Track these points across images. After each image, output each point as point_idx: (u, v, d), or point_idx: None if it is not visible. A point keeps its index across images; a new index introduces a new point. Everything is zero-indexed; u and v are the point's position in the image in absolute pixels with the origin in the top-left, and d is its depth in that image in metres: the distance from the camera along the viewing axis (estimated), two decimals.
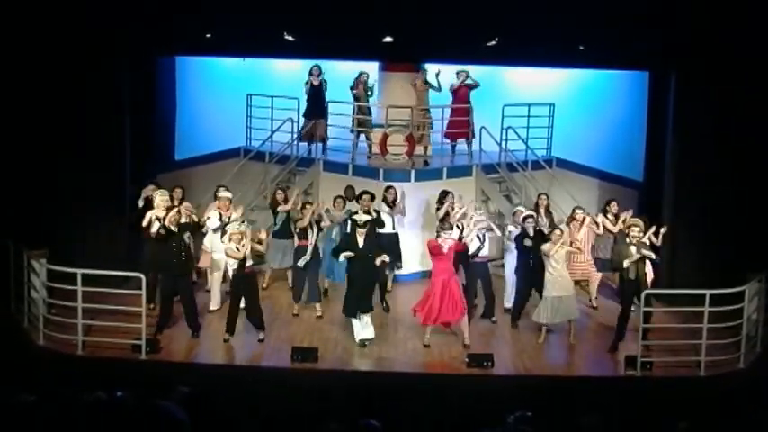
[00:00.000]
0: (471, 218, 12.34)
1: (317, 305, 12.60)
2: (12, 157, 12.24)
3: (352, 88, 15.36)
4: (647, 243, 11.87)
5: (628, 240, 11.64)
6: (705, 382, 10.92)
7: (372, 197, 12.82)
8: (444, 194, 13.26)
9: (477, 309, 12.72)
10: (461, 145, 15.60)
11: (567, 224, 12.97)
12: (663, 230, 12.28)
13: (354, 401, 7.56)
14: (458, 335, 11.76)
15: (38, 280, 11.63)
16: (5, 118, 12.17)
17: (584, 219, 12.97)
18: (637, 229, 11.61)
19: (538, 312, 11.80)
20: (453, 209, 12.77)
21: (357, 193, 13.04)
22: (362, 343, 11.52)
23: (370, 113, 15.53)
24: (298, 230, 12.50)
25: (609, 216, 13.21)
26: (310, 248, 12.34)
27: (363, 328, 11.55)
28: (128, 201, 13.21)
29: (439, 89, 15.36)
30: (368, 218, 11.81)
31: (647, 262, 11.73)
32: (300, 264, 12.36)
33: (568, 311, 11.71)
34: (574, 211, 13.20)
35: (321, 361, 11.01)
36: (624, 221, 12.68)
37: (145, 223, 12.05)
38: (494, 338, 12.09)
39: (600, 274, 13.25)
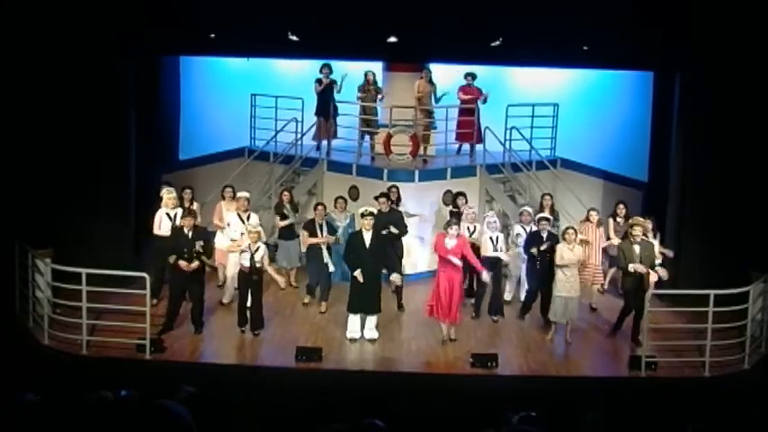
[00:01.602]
0: (484, 219, 12.38)
1: (323, 303, 12.69)
2: (17, 157, 12.26)
3: (360, 89, 15.33)
4: (654, 243, 11.88)
5: (631, 240, 11.63)
6: (709, 383, 10.90)
7: (389, 198, 12.97)
8: (456, 196, 13.35)
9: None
10: (466, 145, 15.60)
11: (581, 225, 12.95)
12: (668, 252, 12.35)
13: (358, 401, 7.56)
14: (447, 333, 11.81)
15: (42, 279, 11.65)
16: (12, 119, 12.19)
17: (598, 221, 12.91)
18: (638, 228, 11.60)
19: (551, 311, 11.85)
20: (463, 210, 12.83)
21: (374, 196, 13.08)
22: (352, 339, 11.62)
23: (376, 114, 15.52)
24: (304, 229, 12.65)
25: (618, 219, 13.17)
26: (324, 248, 12.44)
27: (368, 328, 11.59)
28: (133, 200, 13.24)
29: (437, 100, 15.38)
30: (372, 209, 11.85)
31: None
32: (331, 268, 12.54)
33: (572, 312, 11.73)
34: (588, 212, 13.15)
35: (325, 361, 11.03)
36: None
37: (156, 224, 12.14)
38: (498, 339, 12.08)
39: (602, 278, 13.21)
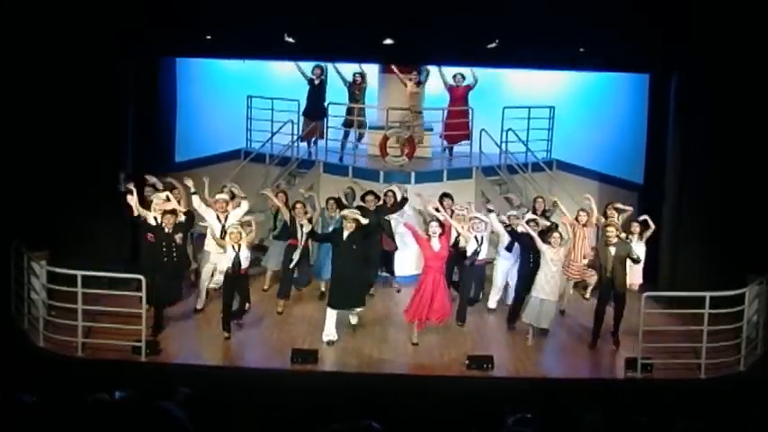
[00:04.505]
0: (470, 219, 12.36)
1: (281, 302, 12.66)
2: (16, 157, 12.24)
3: (350, 87, 15.33)
4: (631, 243, 11.92)
5: (606, 242, 11.65)
6: (705, 385, 10.91)
7: (377, 197, 12.98)
8: (442, 198, 13.33)
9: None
10: (458, 147, 15.58)
11: (571, 226, 12.93)
12: (639, 230, 12.40)
13: (354, 403, 7.58)
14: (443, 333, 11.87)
15: (38, 282, 11.62)
16: (11, 119, 12.18)
17: (586, 222, 12.89)
18: (612, 229, 11.63)
19: (525, 312, 11.83)
20: (452, 211, 12.80)
21: (361, 194, 13.12)
22: (330, 342, 11.57)
23: (363, 114, 15.48)
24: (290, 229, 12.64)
25: (609, 219, 13.14)
26: (300, 248, 12.41)
27: (351, 317, 11.78)
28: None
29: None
30: (356, 212, 11.84)
31: (630, 264, 11.80)
32: (291, 265, 12.45)
33: (548, 318, 11.68)
34: (578, 212, 13.14)
35: (321, 363, 11.02)
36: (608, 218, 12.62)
37: (139, 212, 12.00)
38: (493, 340, 12.09)
39: (595, 275, 13.20)
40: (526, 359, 11.47)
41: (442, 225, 11.76)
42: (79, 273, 11.01)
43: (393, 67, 15.02)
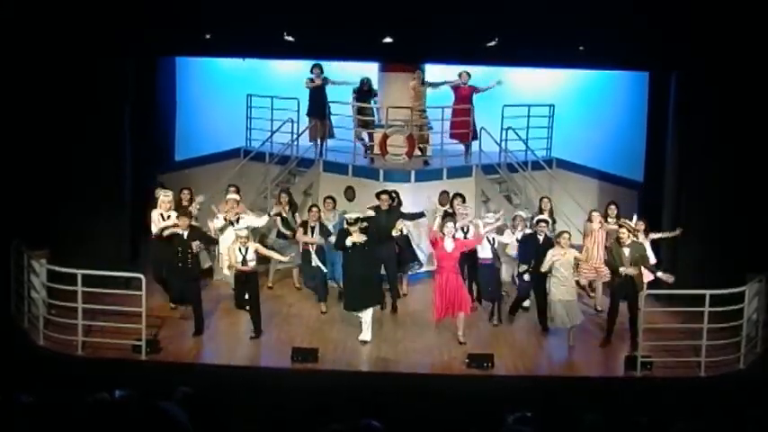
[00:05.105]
0: (481, 220, 12.38)
1: (322, 303, 12.74)
2: (16, 157, 12.24)
3: (356, 92, 15.32)
4: (644, 243, 11.91)
5: (619, 242, 11.62)
6: (705, 383, 10.92)
7: (391, 196, 12.94)
8: (454, 197, 13.31)
9: (478, 311, 12.75)
10: (460, 146, 15.57)
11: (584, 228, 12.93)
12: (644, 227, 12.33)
13: (355, 402, 7.60)
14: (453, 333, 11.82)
15: (38, 280, 11.63)
16: (11, 119, 12.18)
17: (600, 223, 12.87)
18: (624, 230, 11.60)
19: (551, 319, 11.75)
20: (458, 211, 12.80)
21: (376, 192, 13.11)
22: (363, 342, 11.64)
23: (372, 114, 15.50)
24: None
25: (609, 219, 13.13)
26: (313, 251, 12.48)
27: (364, 327, 11.60)
28: (128, 201, 13.23)
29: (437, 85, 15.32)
30: (358, 215, 11.84)
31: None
32: (322, 266, 12.58)
33: (575, 316, 11.68)
34: (591, 213, 13.11)
35: (321, 362, 11.02)
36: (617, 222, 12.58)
37: (153, 223, 12.10)
38: (494, 339, 12.08)
39: (608, 277, 13.19)
40: (526, 358, 11.47)
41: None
42: (79, 271, 11.01)
43: (405, 66, 15.03)
